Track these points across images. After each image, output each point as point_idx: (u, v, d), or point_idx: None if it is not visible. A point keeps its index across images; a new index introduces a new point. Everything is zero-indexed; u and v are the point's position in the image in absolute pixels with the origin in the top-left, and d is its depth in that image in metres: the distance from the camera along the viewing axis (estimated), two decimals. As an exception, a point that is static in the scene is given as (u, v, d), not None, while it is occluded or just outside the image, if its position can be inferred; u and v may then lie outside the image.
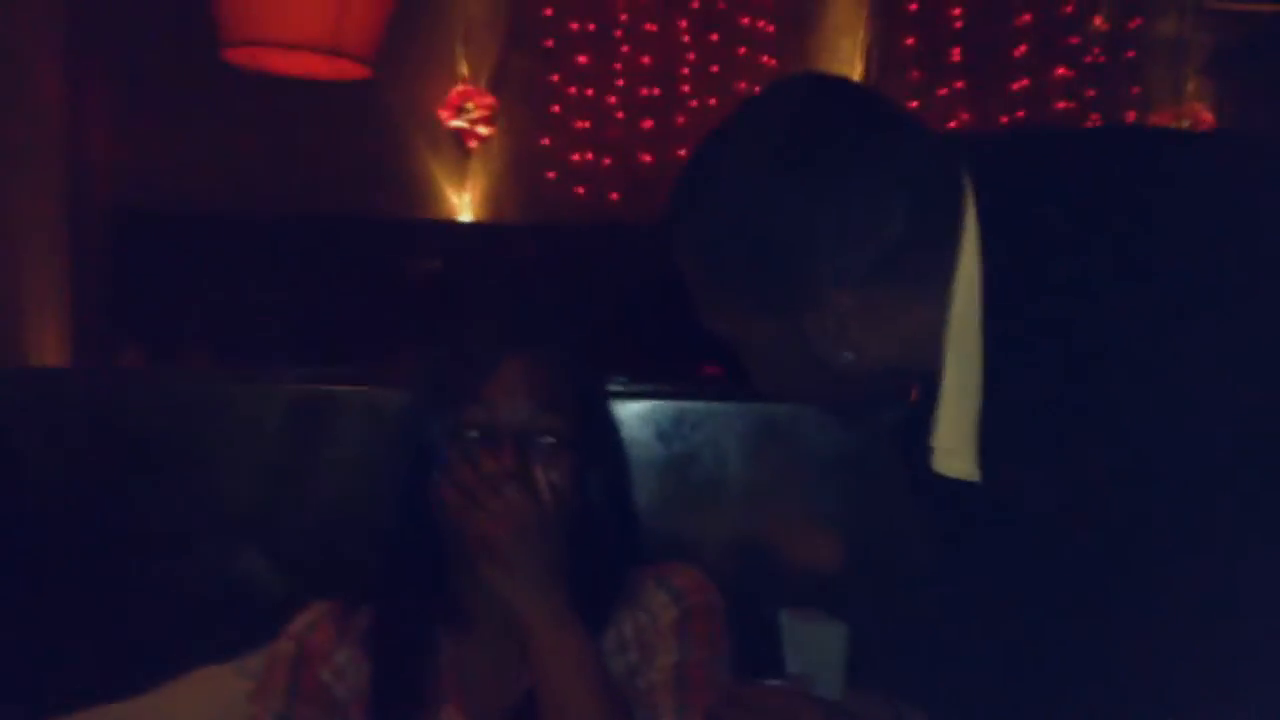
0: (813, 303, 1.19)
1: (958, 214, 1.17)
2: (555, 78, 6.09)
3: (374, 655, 1.58)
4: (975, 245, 1.17)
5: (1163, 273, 1.11)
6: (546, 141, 6.10)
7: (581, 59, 6.10)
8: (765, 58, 6.10)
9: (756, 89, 1.36)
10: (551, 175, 6.11)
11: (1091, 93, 6.06)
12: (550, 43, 6.10)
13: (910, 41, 6.11)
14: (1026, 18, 6.05)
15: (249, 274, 5.43)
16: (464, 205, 6.11)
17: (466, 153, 6.04)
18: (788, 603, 1.47)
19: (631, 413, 2.06)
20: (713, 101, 5.95)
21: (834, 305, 1.18)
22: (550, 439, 1.56)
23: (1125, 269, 1.11)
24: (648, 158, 6.00)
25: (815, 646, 1.42)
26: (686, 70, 6.09)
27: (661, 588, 1.60)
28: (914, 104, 5.57)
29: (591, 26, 6.10)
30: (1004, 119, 5.94)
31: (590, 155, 6.10)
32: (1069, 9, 6.08)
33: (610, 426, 1.66)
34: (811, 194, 1.17)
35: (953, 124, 5.88)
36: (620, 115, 6.09)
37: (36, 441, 2.14)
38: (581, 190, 6.10)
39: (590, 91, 6.10)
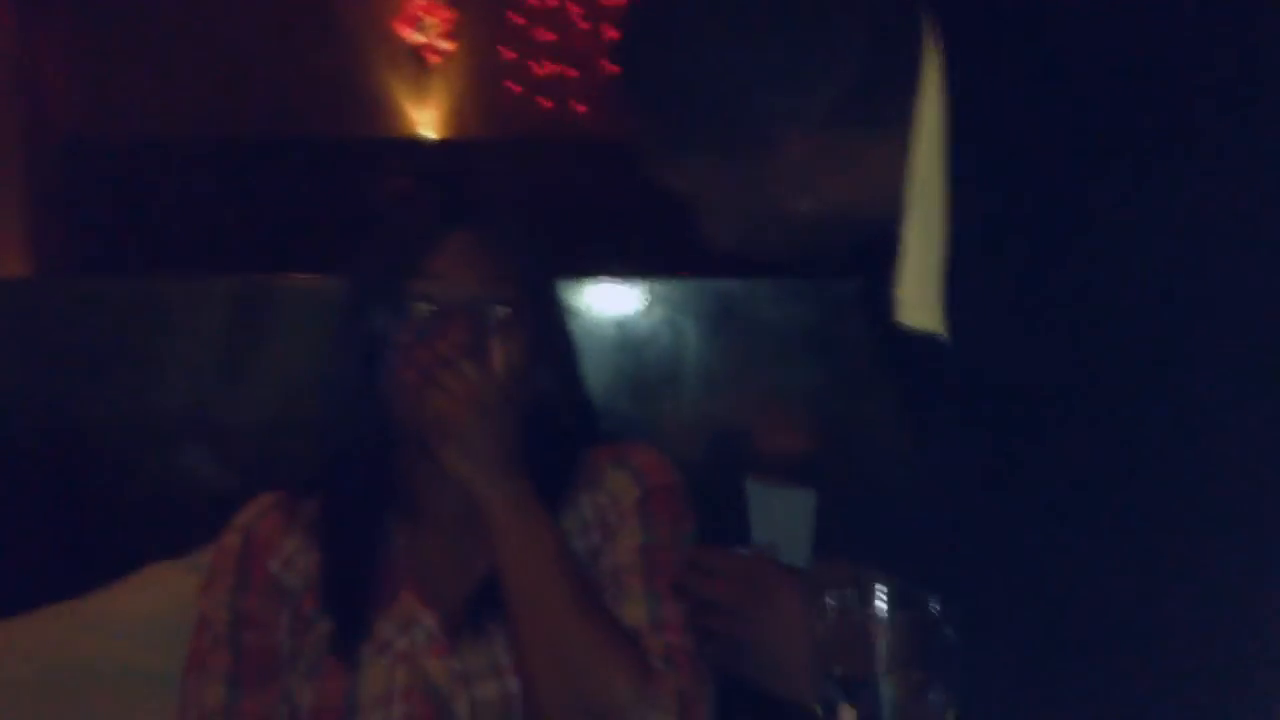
0: (768, 148, 1.14)
1: (917, 53, 1.12)
2: (515, -12, 5.98)
3: (323, 544, 1.53)
4: (937, 86, 1.12)
5: (1138, 113, 1.06)
6: (510, 54, 5.99)
7: (542, -33, 5.98)
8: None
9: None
10: (515, 89, 6.01)
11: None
12: (509, -49, 5.98)
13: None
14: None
15: (205, 198, 5.35)
16: (427, 122, 6.01)
17: (426, 68, 5.93)
18: (752, 474, 1.42)
19: (587, 291, 2.01)
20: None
21: (790, 150, 1.14)
22: (503, 311, 1.50)
23: (1097, 107, 1.06)
24: (614, 68, 5.89)
25: (781, 513, 1.38)
26: (651, -24, 5.97)
27: (620, 468, 1.56)
28: None
29: (552, -66, 5.98)
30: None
31: (555, 67, 5.99)
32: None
33: (559, 302, 1.61)
34: (764, 35, 1.12)
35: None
36: (584, 25, 5.98)
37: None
38: (547, 103, 6.00)
39: (553, 1, 5.98)
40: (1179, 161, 1.04)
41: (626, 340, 2.06)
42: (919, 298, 1.16)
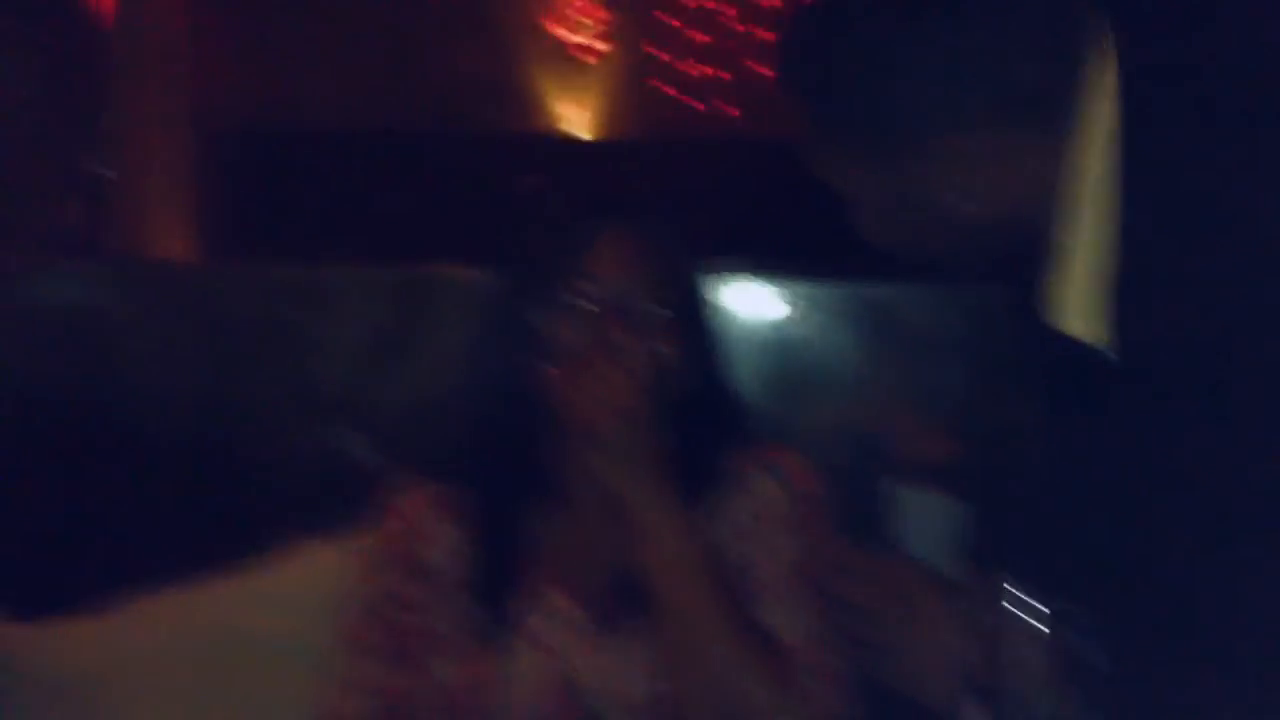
0: (926, 147, 1.13)
1: (1087, 60, 1.10)
2: (670, -11, 6.00)
3: (474, 535, 1.56)
4: (1111, 93, 1.09)
5: None
6: (664, 56, 6.02)
7: (697, -30, 5.99)
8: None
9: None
10: (667, 90, 6.03)
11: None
12: (664, -46, 6.00)
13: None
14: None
15: (365, 190, 5.47)
16: (582, 121, 6.07)
17: (581, 67, 5.99)
18: (901, 481, 1.42)
19: (736, 292, 2.01)
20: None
21: (954, 149, 1.13)
22: (657, 311, 1.51)
23: (1275, 113, 1.03)
24: (766, 70, 5.88)
25: (930, 522, 1.37)
26: (807, -21, 5.94)
27: (768, 473, 1.56)
28: None
29: (708, -64, 5.98)
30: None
31: (709, 69, 6.00)
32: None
33: (711, 303, 1.62)
34: (927, 32, 1.12)
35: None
36: (738, 27, 5.97)
37: (150, 332, 2.17)
38: (700, 105, 6.01)
39: (708, 3, 5.99)
40: None
41: (775, 342, 2.06)
42: (1081, 306, 1.14)
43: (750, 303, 2.06)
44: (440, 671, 1.49)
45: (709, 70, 5.99)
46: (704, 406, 1.58)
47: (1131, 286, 1.09)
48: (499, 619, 1.50)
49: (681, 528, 1.45)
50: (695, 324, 1.56)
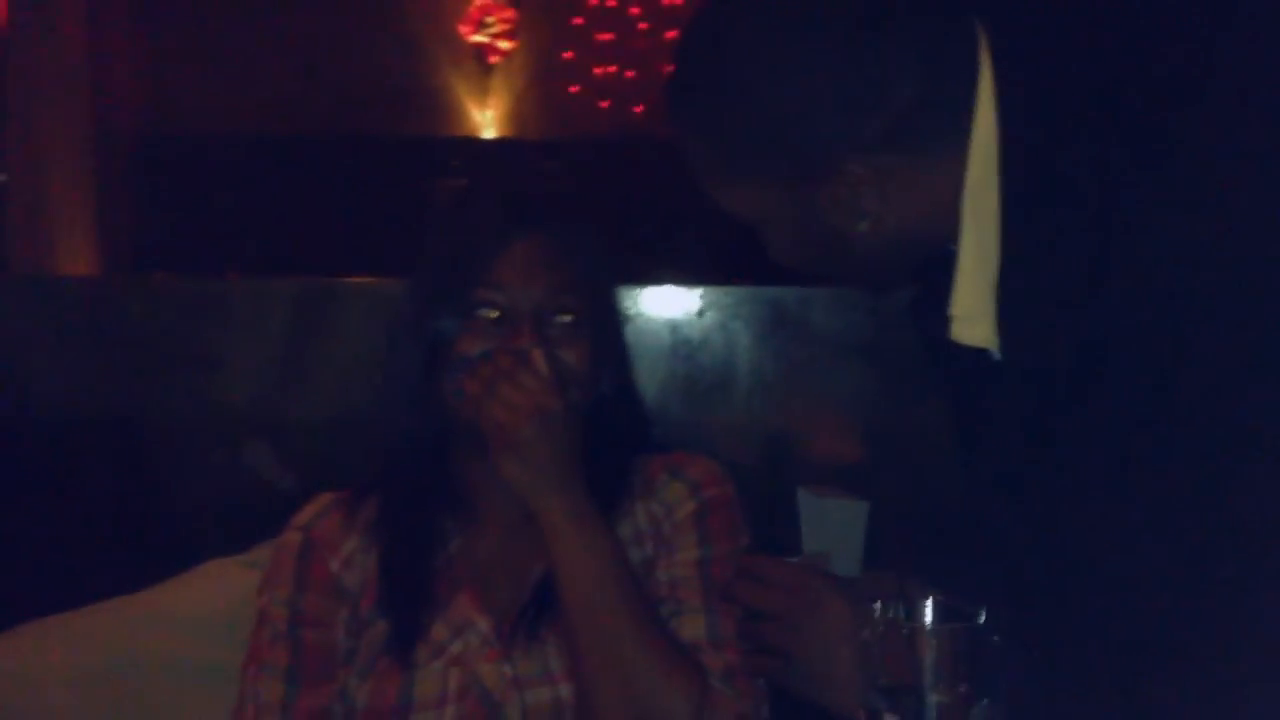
0: (825, 172, 1.15)
1: (973, 73, 1.12)
2: (576, -11, 6.00)
3: (382, 545, 1.55)
4: (992, 105, 1.12)
5: (1197, 132, 1.06)
6: (569, 55, 6.02)
7: (603, -31, 5.99)
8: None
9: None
10: (575, 89, 6.03)
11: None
12: (570, -47, 6.00)
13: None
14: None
15: (271, 194, 5.41)
16: (486, 121, 6.04)
17: (488, 68, 5.97)
18: (805, 484, 1.43)
19: (641, 298, 2.02)
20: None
21: (846, 174, 1.15)
22: (567, 318, 1.50)
23: (1155, 130, 1.06)
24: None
25: (833, 523, 1.38)
26: (711, -22, 5.96)
27: (676, 478, 1.56)
28: None
29: (612, -64, 5.99)
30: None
31: (614, 68, 6.00)
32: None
33: (619, 309, 1.61)
34: (818, 58, 1.13)
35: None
36: (644, 26, 5.99)
37: (49, 346, 2.13)
38: (605, 104, 6.02)
39: (613, 2, 5.99)
40: (1242, 173, 1.03)
41: (680, 346, 2.07)
42: (972, 313, 1.16)
43: (658, 306, 2.06)
44: (347, 687, 1.47)
45: (615, 70, 6.00)
46: (612, 412, 1.57)
47: (1016, 291, 1.12)
48: (407, 631, 1.49)
49: (593, 535, 1.44)
50: (603, 329, 1.56)
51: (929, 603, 1.05)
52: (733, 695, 1.41)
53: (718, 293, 2.04)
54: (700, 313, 2.04)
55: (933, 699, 1.01)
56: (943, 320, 1.17)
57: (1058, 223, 1.09)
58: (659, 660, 1.40)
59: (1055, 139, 1.10)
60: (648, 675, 1.39)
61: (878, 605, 1.05)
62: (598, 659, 1.40)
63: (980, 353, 1.19)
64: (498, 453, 1.44)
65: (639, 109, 5.98)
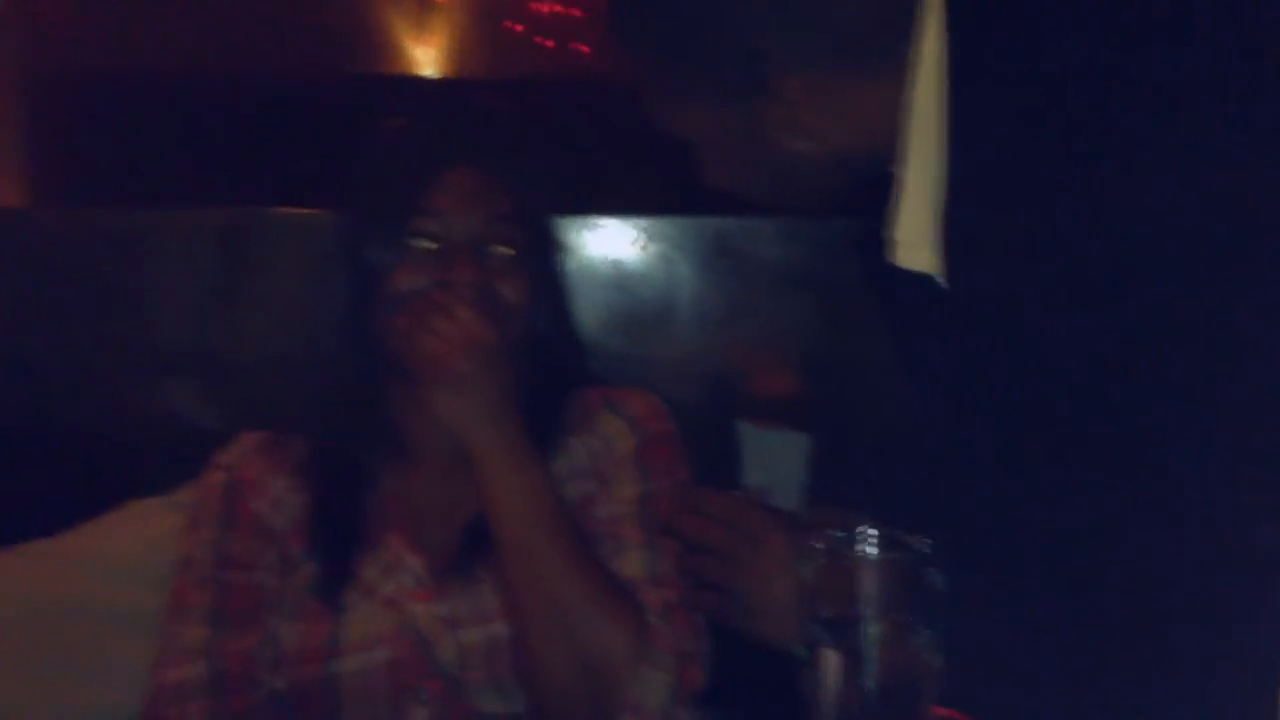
0: (764, 88, 1.13)
1: None
2: (518, -76, 5.90)
3: (311, 484, 1.51)
4: (938, 22, 1.09)
5: (1151, 50, 1.03)
6: (510, -8, 5.93)
7: (545, -96, 5.90)
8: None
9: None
10: (517, 27, 5.94)
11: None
12: (512, -113, 5.90)
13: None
14: None
15: (204, 134, 5.30)
16: (427, 59, 5.95)
17: (427, 4, 5.87)
18: (745, 417, 1.40)
19: (581, 230, 1.98)
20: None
21: (786, 89, 1.13)
22: (506, 250, 1.46)
23: (1108, 45, 1.04)
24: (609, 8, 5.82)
25: (774, 457, 1.35)
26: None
27: (615, 412, 1.53)
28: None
29: None
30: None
31: (557, 6, 5.92)
32: None
33: (557, 242, 1.58)
34: None
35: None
36: (587, -37, 5.91)
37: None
38: (548, 43, 5.94)
39: (554, -61, 5.91)
40: (1193, 96, 1.01)
41: (620, 280, 2.03)
42: (916, 238, 1.14)
43: (597, 240, 2.02)
44: (276, 629, 1.43)
45: (559, 8, 5.92)
46: (550, 346, 1.55)
47: (963, 219, 1.09)
48: (337, 572, 1.45)
49: (528, 472, 1.41)
50: (542, 261, 1.52)
51: (870, 533, 1.02)
52: (671, 631, 1.39)
53: (658, 223, 2.00)
54: (640, 244, 2.00)
55: (872, 630, 0.98)
56: (885, 245, 1.15)
57: (1011, 146, 1.06)
58: (595, 597, 1.37)
59: (1008, 58, 1.06)
60: (584, 612, 1.36)
61: (817, 536, 1.02)
62: (533, 597, 1.38)
63: (924, 281, 1.16)
64: (430, 387, 1.40)
65: (582, 48, 5.91)
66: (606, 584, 1.39)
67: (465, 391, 1.40)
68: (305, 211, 1.97)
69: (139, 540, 1.70)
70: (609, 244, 2.03)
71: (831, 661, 1.00)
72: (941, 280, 1.15)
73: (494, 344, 1.40)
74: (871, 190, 1.19)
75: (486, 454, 1.41)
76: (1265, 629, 0.99)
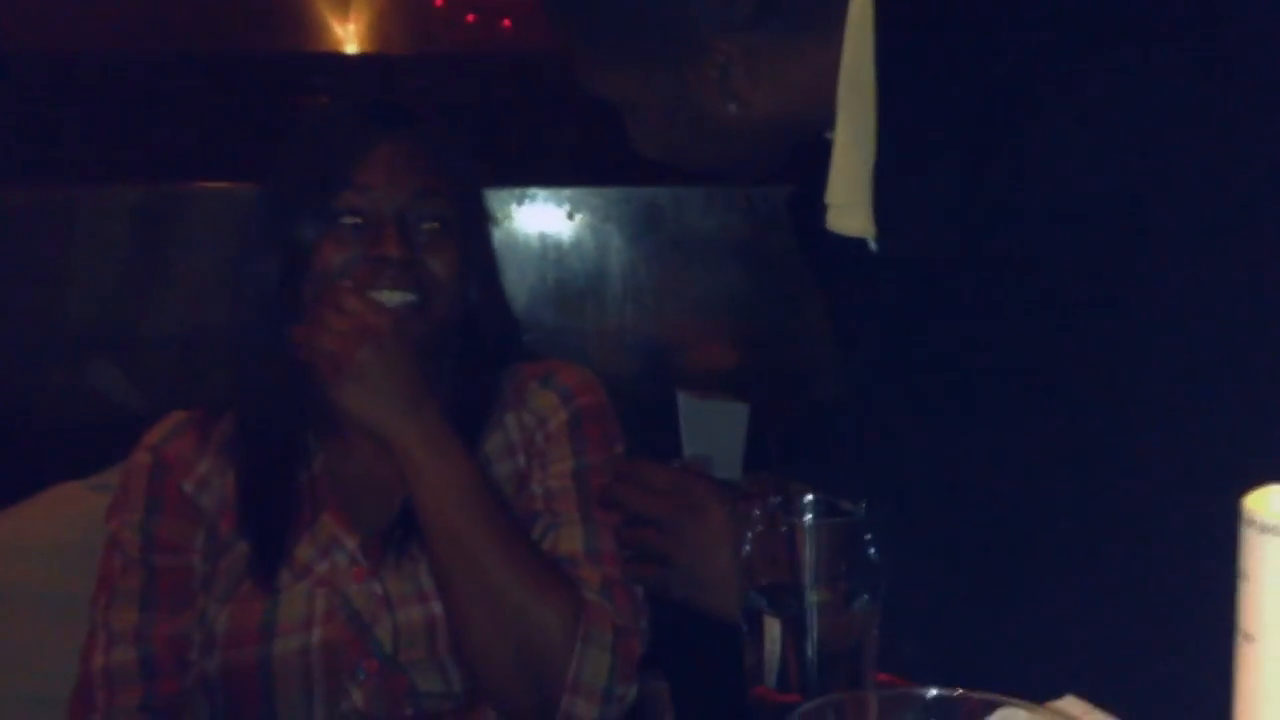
0: (694, 50, 1.11)
1: None
2: (439, -103, 5.82)
3: (239, 464, 1.48)
4: None
5: (1082, 4, 1.02)
6: (433, -33, 5.85)
7: (466, -124, 5.82)
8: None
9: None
10: (439, 3, 5.87)
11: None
12: None
13: None
14: None
15: (121, 114, 5.19)
16: (348, 36, 5.86)
17: (350, -20, 5.78)
18: (683, 387, 1.39)
19: (508, 202, 1.96)
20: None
21: (716, 51, 1.11)
22: (434, 225, 1.44)
23: (1050, 22, 1.03)
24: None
25: (713, 426, 1.35)
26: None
27: (548, 387, 1.51)
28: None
29: None
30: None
31: (479, -20, 5.86)
32: None
33: (487, 214, 1.56)
34: None
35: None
36: (509, -64, 5.84)
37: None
38: (471, 17, 5.87)
39: (476, -89, 5.84)
40: (1124, 58, 1.01)
41: (550, 250, 2.01)
42: (849, 201, 1.13)
43: (526, 210, 2.00)
44: (207, 612, 1.41)
45: (481, -18, 5.86)
46: (481, 321, 1.53)
47: (892, 180, 1.09)
48: (270, 552, 1.43)
49: (447, 458, 1.37)
50: (471, 234, 1.50)
51: (808, 500, 1.02)
52: (610, 608, 1.38)
53: (588, 194, 1.99)
54: (570, 215, 1.99)
55: (813, 597, 0.98)
56: (818, 211, 1.14)
57: (935, 108, 1.06)
58: (528, 580, 1.35)
59: (934, 22, 1.06)
60: (518, 596, 1.34)
61: (756, 504, 1.02)
62: (465, 585, 1.36)
63: (858, 246, 1.16)
64: (332, 385, 1.36)
65: (506, 23, 5.85)
66: (538, 564, 1.37)
67: (367, 382, 1.35)
68: (229, 186, 1.92)
69: (63, 523, 1.66)
70: (538, 216, 2.01)
71: (772, 630, 0.99)
72: (872, 244, 1.15)
73: (387, 330, 1.36)
74: (805, 155, 1.18)
75: (402, 444, 1.37)
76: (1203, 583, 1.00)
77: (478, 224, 1.53)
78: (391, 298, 1.41)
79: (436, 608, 1.40)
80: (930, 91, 1.06)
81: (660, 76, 1.14)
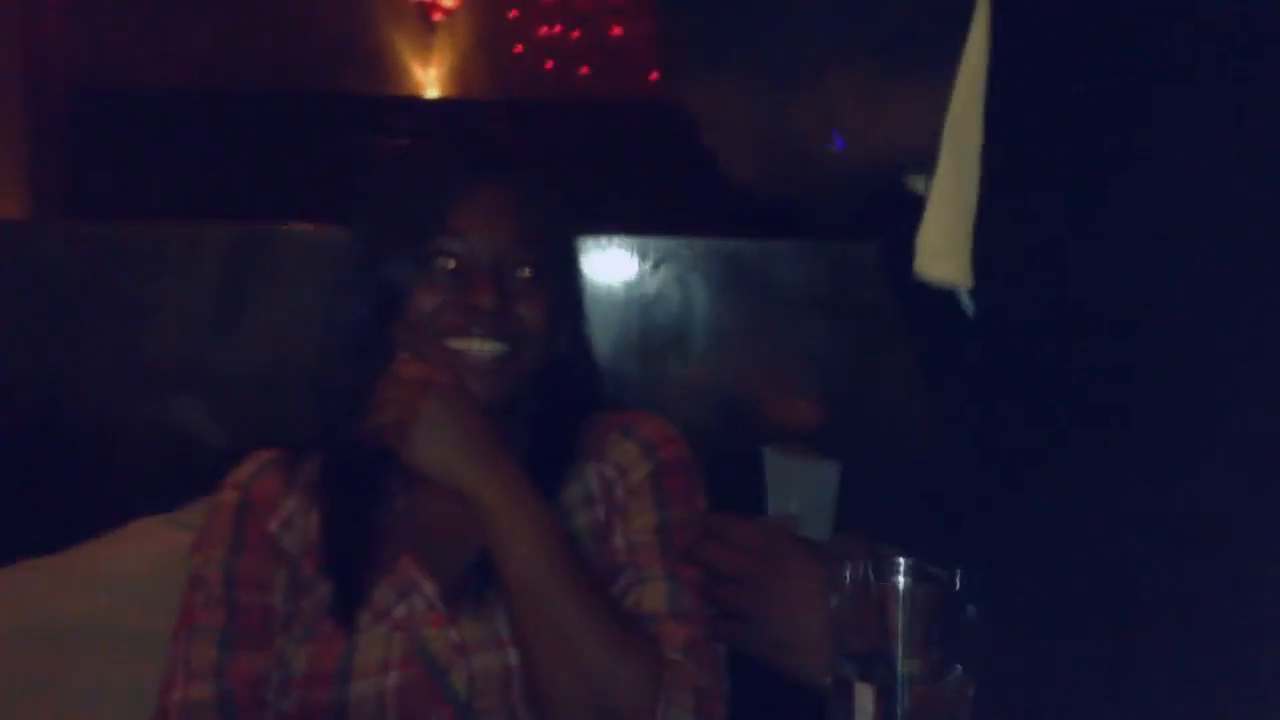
0: (805, 78, 1.09)
1: None
2: (522, -51, 5.90)
3: (324, 504, 1.48)
4: (985, 32, 1.06)
5: (1189, 63, 1.00)
6: (513, 14, 5.92)
7: (549, -72, 5.90)
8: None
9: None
10: (519, 49, 5.93)
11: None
12: (517, -89, 5.90)
13: None
14: None
15: (207, 151, 5.29)
16: (430, 81, 5.94)
17: (431, 26, 5.86)
18: (771, 443, 1.37)
19: (594, 251, 1.95)
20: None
21: (827, 83, 1.09)
22: (526, 272, 1.44)
23: (1148, 63, 1.01)
24: (618, 30, 5.82)
25: (802, 485, 1.32)
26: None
27: (629, 438, 1.50)
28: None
29: (560, -107, 5.90)
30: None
31: (559, 28, 5.92)
32: None
33: (578, 264, 1.55)
34: None
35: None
36: (589, -13, 5.91)
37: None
38: (550, 64, 5.93)
39: (557, -38, 5.91)
40: (1233, 111, 0.98)
41: (634, 301, 2.00)
42: (943, 249, 1.11)
43: (612, 259, 2.00)
44: (285, 652, 1.40)
45: (559, 30, 5.92)
46: (565, 370, 1.52)
47: (995, 227, 1.06)
48: (350, 593, 1.42)
49: (526, 512, 1.36)
50: (562, 284, 1.50)
51: (901, 565, 0.99)
52: (693, 668, 1.35)
53: (674, 244, 1.98)
54: (655, 265, 1.98)
55: (904, 666, 0.95)
56: (913, 259, 1.12)
57: (1042, 159, 1.04)
58: (609, 638, 1.32)
59: (1047, 72, 1.04)
60: (597, 654, 1.32)
61: (847, 567, 0.99)
62: (544, 641, 1.33)
63: (950, 301, 1.14)
64: (404, 445, 1.36)
65: (583, 70, 5.90)
66: (619, 622, 1.35)
67: (437, 435, 1.35)
68: (322, 227, 1.94)
69: (146, 560, 1.66)
70: (623, 265, 2.00)
71: (862, 697, 0.97)
72: (967, 296, 1.13)
73: (450, 385, 1.36)
74: (902, 203, 1.16)
75: (477, 494, 1.36)
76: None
77: (569, 273, 1.53)
78: (484, 347, 1.41)
79: (512, 656, 1.38)
80: (1038, 141, 1.04)
81: (764, 99, 1.12)
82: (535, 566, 1.34)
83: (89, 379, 2.02)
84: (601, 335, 1.65)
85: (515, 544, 1.35)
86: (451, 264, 1.43)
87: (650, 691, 1.32)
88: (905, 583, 0.99)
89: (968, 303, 1.14)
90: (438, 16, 5.82)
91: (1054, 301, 1.04)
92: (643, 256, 2.00)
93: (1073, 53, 1.04)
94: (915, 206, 1.13)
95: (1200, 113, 0.99)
